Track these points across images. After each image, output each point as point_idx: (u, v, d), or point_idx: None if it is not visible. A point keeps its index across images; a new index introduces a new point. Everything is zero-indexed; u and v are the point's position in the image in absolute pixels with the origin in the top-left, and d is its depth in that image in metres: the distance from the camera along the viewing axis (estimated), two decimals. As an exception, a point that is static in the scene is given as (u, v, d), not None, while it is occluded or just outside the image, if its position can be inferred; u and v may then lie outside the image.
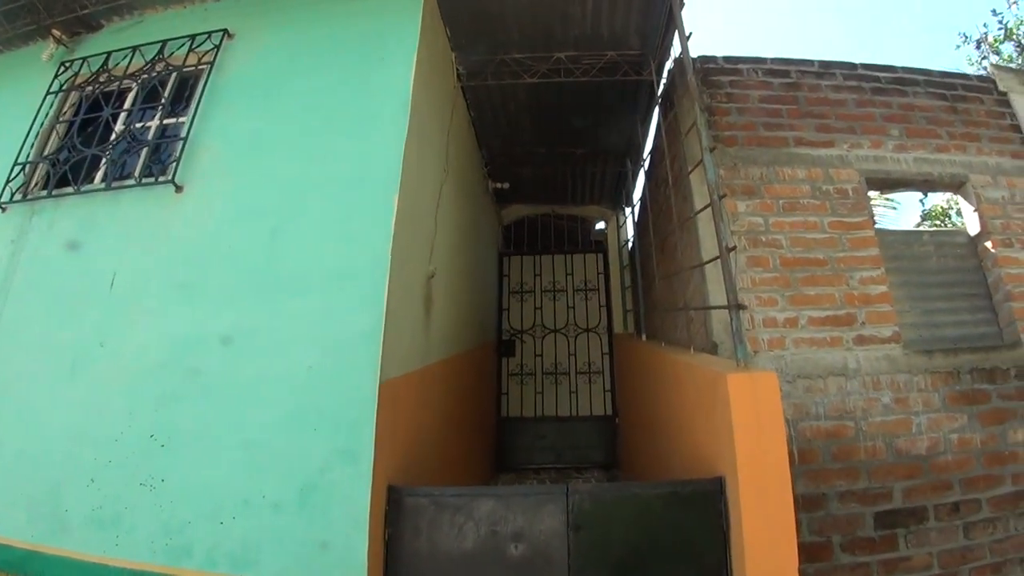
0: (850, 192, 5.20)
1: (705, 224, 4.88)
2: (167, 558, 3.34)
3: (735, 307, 3.70)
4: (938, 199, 13.80)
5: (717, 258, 3.93)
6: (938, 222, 13.81)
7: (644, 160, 7.30)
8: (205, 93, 4.51)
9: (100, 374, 3.85)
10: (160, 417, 3.64)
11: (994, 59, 13.41)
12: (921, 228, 12.49)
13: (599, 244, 11.18)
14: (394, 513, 3.42)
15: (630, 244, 9.49)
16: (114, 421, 3.68)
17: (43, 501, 3.61)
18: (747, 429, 3.22)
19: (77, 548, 3.45)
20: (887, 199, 13.08)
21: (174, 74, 4.75)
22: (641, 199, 8.13)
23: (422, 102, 4.57)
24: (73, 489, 3.59)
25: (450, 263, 5.87)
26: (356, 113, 4.26)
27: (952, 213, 13.71)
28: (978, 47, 13.99)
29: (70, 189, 4.46)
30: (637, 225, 8.46)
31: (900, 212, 14.17)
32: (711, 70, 5.57)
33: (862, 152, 5.38)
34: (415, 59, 4.37)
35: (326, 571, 3.22)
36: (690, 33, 4.50)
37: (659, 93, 6.13)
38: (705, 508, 3.35)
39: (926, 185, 5.63)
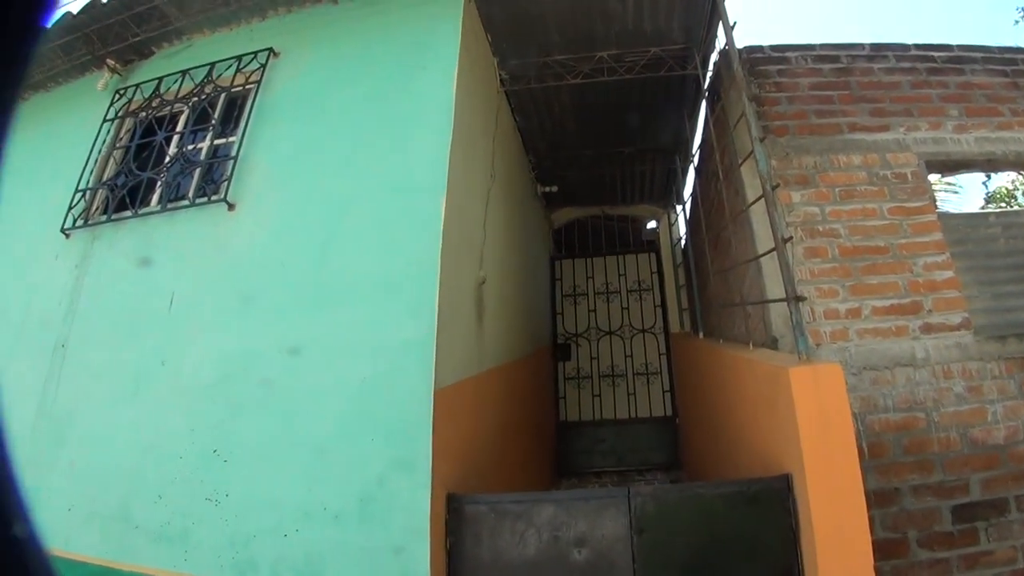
0: (909, 176, 5.00)
1: (759, 216, 4.74)
2: (234, 572, 3.36)
3: (794, 299, 3.58)
4: (1002, 180, 13.34)
5: (773, 250, 3.81)
6: (1003, 204, 13.35)
7: (693, 156, 7.17)
8: (253, 112, 4.56)
9: (162, 392, 3.91)
10: (221, 432, 3.67)
11: (1055, 32, 12.93)
12: (986, 210, 12.06)
13: (651, 243, 11.08)
14: (454, 521, 3.38)
15: (683, 242, 9.36)
16: (177, 437, 3.72)
17: (114, 518, 3.67)
18: (812, 423, 3.13)
19: (148, 563, 3.50)
20: (948, 183, 12.70)
21: (223, 95, 4.81)
22: (692, 195, 7.97)
23: (465, 108, 4.54)
24: (142, 505, 3.64)
25: (500, 269, 5.83)
26: (400, 122, 4.25)
27: (1018, 194, 13.24)
28: (1038, 22, 13.52)
29: (128, 212, 4.55)
30: (689, 222, 8.33)
31: (963, 196, 13.74)
32: (758, 60, 5.42)
33: (920, 135, 5.17)
34: (456, 65, 4.34)
35: (389, 582, 3.20)
36: (735, 23, 4.40)
37: (705, 87, 5.99)
38: (772, 507, 3.26)
39: (990, 165, 5.39)
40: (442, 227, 3.80)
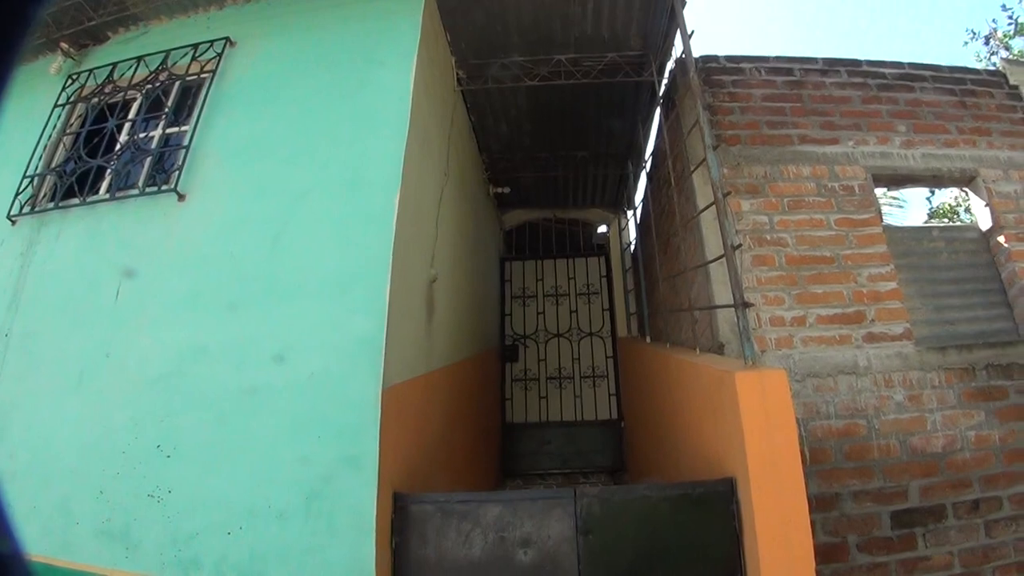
0: (856, 189, 5.11)
1: (709, 223, 4.80)
2: (176, 570, 3.26)
3: (741, 305, 3.61)
4: (945, 196, 13.68)
5: (722, 256, 3.85)
6: (946, 219, 13.67)
7: (646, 162, 7.22)
8: (207, 101, 4.46)
9: (106, 385, 3.77)
10: (166, 427, 3.56)
11: (1004, 54, 13.29)
12: (931, 224, 12.35)
13: (601, 247, 11.13)
14: (400, 521, 3.34)
15: (632, 246, 9.42)
16: (121, 432, 3.60)
17: (54, 514, 3.53)
18: (757, 428, 3.15)
19: (88, 561, 3.37)
20: (893, 197, 12.97)
21: (177, 83, 4.70)
22: (643, 201, 8.07)
23: (422, 105, 4.51)
24: (82, 501, 3.51)
25: (452, 268, 5.80)
26: (356, 117, 4.20)
27: (960, 210, 13.57)
28: (987, 43, 13.93)
29: (76, 200, 4.41)
30: (639, 227, 8.42)
31: (907, 210, 14.05)
32: (713, 69, 5.50)
33: (868, 148, 5.29)
34: (415, 62, 4.32)
35: (334, 581, 3.16)
36: (692, 31, 4.42)
37: (660, 94, 6.04)
38: (716, 510, 3.28)
39: (935, 181, 5.53)
40: (395, 224, 3.76)
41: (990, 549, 4.34)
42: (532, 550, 3.24)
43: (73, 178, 4.51)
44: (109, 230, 4.25)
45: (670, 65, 5.93)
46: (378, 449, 3.26)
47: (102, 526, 3.43)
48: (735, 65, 5.55)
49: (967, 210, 13.26)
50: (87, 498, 3.50)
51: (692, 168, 4.88)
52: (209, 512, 3.34)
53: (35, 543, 3.44)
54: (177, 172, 4.21)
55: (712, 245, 4.80)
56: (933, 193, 13.42)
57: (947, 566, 4.27)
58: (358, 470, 3.25)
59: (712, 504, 3.29)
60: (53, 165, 4.72)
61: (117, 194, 4.34)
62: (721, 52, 5.69)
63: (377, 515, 3.17)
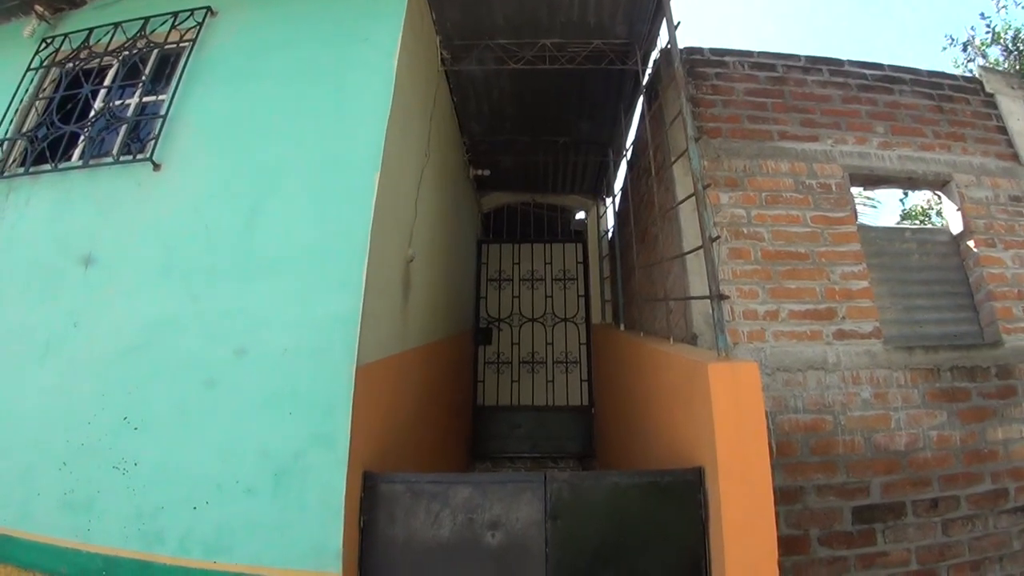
0: (833, 187, 5.16)
1: (687, 215, 4.82)
2: (140, 544, 3.25)
3: (717, 297, 3.63)
4: (918, 199, 13.88)
5: (700, 248, 3.87)
6: (918, 221, 13.87)
7: (626, 150, 7.23)
8: (186, 71, 4.39)
9: (73, 355, 3.71)
10: (133, 399, 3.52)
11: (981, 62, 13.51)
12: (904, 226, 12.52)
13: (579, 234, 11.15)
14: (369, 500, 3.33)
15: (610, 234, 9.44)
16: (87, 403, 3.56)
17: (14, 484, 3.49)
18: (727, 419, 3.18)
19: (49, 533, 3.35)
20: (867, 197, 13.12)
21: (155, 51, 4.62)
22: (622, 189, 8.09)
23: (406, 83, 4.48)
24: (45, 472, 3.47)
25: (429, 249, 5.77)
26: (338, 93, 4.16)
27: (932, 213, 13.77)
28: (965, 50, 14.11)
29: (47, 166, 4.31)
30: (617, 215, 8.42)
31: (880, 211, 14.24)
32: (697, 61, 5.51)
33: (847, 148, 5.34)
34: (399, 40, 4.28)
35: (300, 559, 3.15)
36: (679, 22, 4.43)
37: (644, 83, 6.05)
38: (684, 498, 3.31)
39: (910, 183, 5.59)
40: (374, 203, 3.74)
41: (946, 547, 4.41)
42: (500, 533, 3.25)
43: (45, 144, 4.41)
44: (80, 198, 4.16)
45: (654, 55, 5.93)
46: (350, 427, 3.26)
47: (65, 498, 3.40)
48: (719, 58, 5.57)
49: (939, 213, 13.45)
50: (50, 469, 3.46)
51: (673, 159, 4.91)
52: (175, 486, 3.32)
53: (-6, 514, 3.41)
54: (153, 141, 4.13)
55: (690, 236, 4.82)
56: (907, 195, 13.61)
57: (904, 562, 4.34)
58: (329, 448, 3.25)
59: (680, 492, 3.32)
60: (24, 130, 4.61)
61: (90, 161, 4.26)
62: (705, 44, 5.65)
63: (346, 493, 3.17)
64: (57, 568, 3.28)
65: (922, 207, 13.97)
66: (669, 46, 4.58)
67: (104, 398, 3.56)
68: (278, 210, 3.84)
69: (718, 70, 5.51)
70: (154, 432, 3.44)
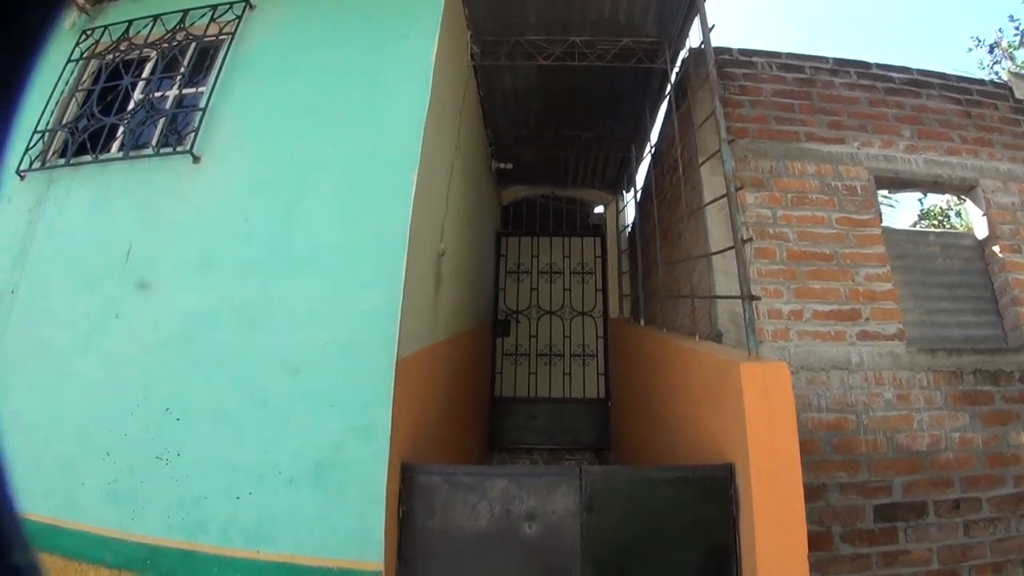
0: (859, 189, 5.20)
1: (714, 214, 4.87)
2: (183, 533, 3.29)
3: (748, 297, 3.68)
4: (937, 199, 13.83)
5: (731, 248, 3.91)
6: (936, 221, 13.84)
7: (651, 148, 7.26)
8: (225, 64, 4.42)
9: (115, 346, 3.76)
10: (175, 390, 3.57)
11: (1007, 64, 13.41)
12: (928, 229, 12.49)
13: (597, 228, 11.12)
14: (408, 491, 3.39)
15: (629, 230, 9.46)
16: (129, 394, 3.60)
17: (58, 474, 3.54)
18: (759, 417, 3.23)
19: (93, 522, 3.39)
20: (885, 196, 13.08)
21: (194, 44, 4.65)
22: (644, 186, 8.10)
23: (441, 80, 4.50)
24: (88, 462, 3.51)
25: (457, 242, 5.80)
26: (376, 88, 4.20)
27: (951, 214, 13.73)
28: (991, 51, 14.01)
29: (88, 158, 4.35)
30: (638, 211, 8.43)
31: (898, 210, 14.20)
32: (725, 61, 5.54)
33: (872, 151, 5.37)
34: (437, 37, 4.32)
35: (341, 548, 3.19)
36: (713, 24, 4.46)
37: (673, 82, 6.06)
38: (715, 493, 3.36)
39: (935, 187, 5.63)
40: (412, 199, 3.78)
41: (968, 548, 4.46)
42: (537, 524, 3.30)
43: (85, 135, 4.45)
44: (120, 190, 4.21)
45: (683, 54, 5.96)
46: (390, 419, 3.30)
47: (108, 487, 3.44)
48: (747, 59, 5.61)
49: (958, 214, 13.43)
50: (93, 459, 3.50)
51: (702, 160, 4.94)
52: (217, 476, 3.36)
53: (38, 503, 3.43)
54: (192, 134, 4.17)
55: (716, 235, 4.88)
56: (925, 195, 13.58)
57: (926, 561, 4.38)
58: (369, 439, 3.29)
59: (711, 487, 3.37)
60: (64, 121, 4.64)
61: (130, 153, 4.30)
62: (732, 44, 5.68)
63: (387, 485, 3.22)
64: (101, 557, 3.32)
65: (941, 207, 13.92)
66: (702, 46, 4.63)
67: (146, 389, 3.60)
68: (317, 205, 3.89)
69: (746, 71, 5.55)
70: (196, 423, 3.49)
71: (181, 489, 3.37)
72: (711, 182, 4.91)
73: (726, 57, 5.57)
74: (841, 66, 5.70)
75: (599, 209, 11.44)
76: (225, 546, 3.26)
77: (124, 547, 3.32)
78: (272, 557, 3.22)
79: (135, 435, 3.52)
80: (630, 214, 9.51)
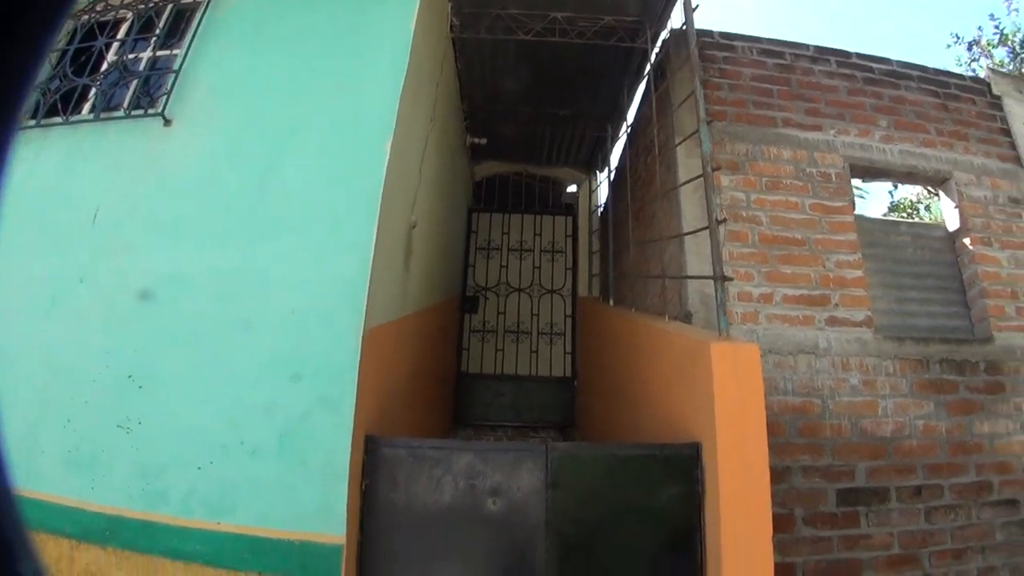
0: (833, 177, 5.16)
1: (688, 195, 4.80)
2: (143, 503, 3.17)
3: (721, 278, 3.61)
4: (908, 192, 13.88)
5: (705, 228, 3.82)
6: (905, 215, 13.89)
7: (627, 128, 7.18)
8: (201, 27, 4.23)
9: (79, 311, 3.60)
10: (139, 357, 3.42)
11: (986, 62, 13.48)
12: (900, 219, 12.53)
13: (569, 207, 10.98)
14: (372, 463, 3.28)
15: (601, 210, 9.39)
16: (91, 360, 3.44)
17: (18, 441, 3.31)
18: (728, 398, 3.18)
19: (53, 491, 3.24)
20: (856, 188, 13.09)
21: (171, 6, 4.46)
22: (619, 166, 8.01)
23: (420, 47, 4.38)
24: (49, 429, 3.36)
25: (428, 215, 5.66)
26: (354, 54, 4.07)
27: (921, 208, 13.80)
28: (970, 49, 14.07)
29: (58, 119, 4.17)
30: (611, 191, 8.35)
31: (867, 201, 14.25)
32: (706, 44, 5.46)
33: (849, 139, 5.33)
34: (418, 3, 4.17)
35: (303, 521, 3.10)
36: (697, 4, 4.36)
37: (652, 62, 5.93)
38: (680, 472, 3.31)
39: (909, 178, 5.61)
40: (386, 167, 3.65)
41: (928, 534, 4.45)
42: (501, 499, 3.23)
43: (57, 96, 4.27)
44: (90, 151, 4.05)
45: (664, 35, 5.84)
46: (356, 390, 3.20)
47: (69, 456, 3.31)
48: (728, 43, 5.53)
49: (927, 208, 13.50)
50: (54, 426, 3.35)
51: (679, 140, 4.84)
52: (179, 445, 3.24)
53: (-6, 471, 3.32)
54: (165, 96, 4.01)
55: (689, 216, 4.81)
56: (896, 187, 13.62)
57: (887, 546, 4.37)
58: (334, 410, 3.18)
59: (677, 466, 3.32)
60: (37, 82, 4.49)
61: (101, 115, 4.14)
62: (712, 27, 5.60)
63: (350, 457, 3.12)
64: (60, 527, 3.20)
65: (911, 200, 13.99)
66: (684, 27, 4.52)
67: (109, 355, 3.45)
68: (290, 170, 3.75)
69: (726, 54, 5.47)
70: (159, 391, 3.36)
71: (142, 458, 3.24)
72: (687, 163, 4.82)
73: (707, 40, 5.48)
74: (821, 54, 5.64)
75: (572, 188, 11.33)
76: (185, 517, 3.14)
77: (83, 517, 3.20)
78: (233, 528, 3.11)
79: (97, 402, 3.38)
80: (603, 194, 9.44)
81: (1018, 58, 13.27)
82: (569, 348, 9.80)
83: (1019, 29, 13.40)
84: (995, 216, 5.33)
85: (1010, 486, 4.69)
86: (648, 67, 5.99)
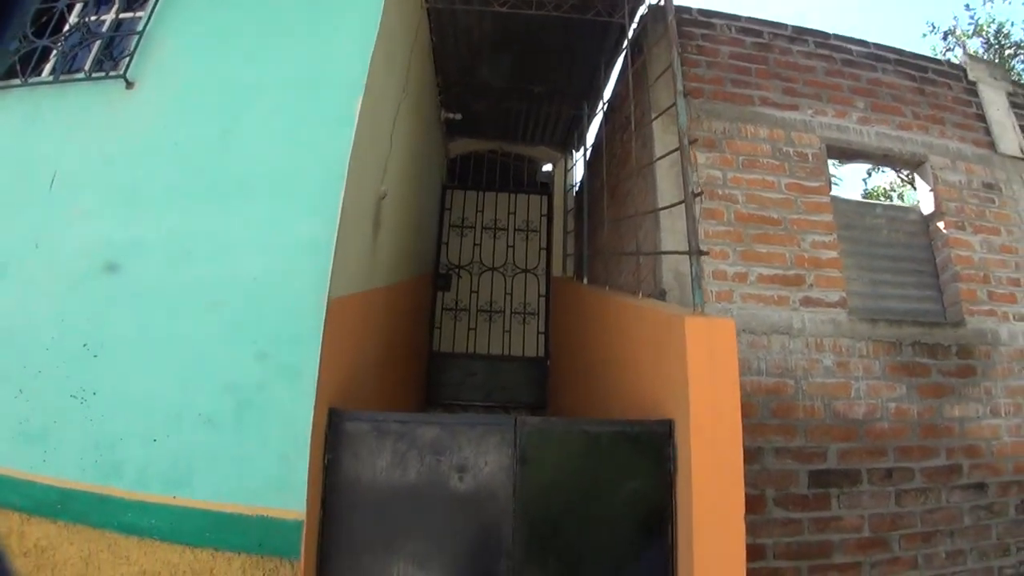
0: (810, 157, 5.05)
1: (664, 171, 4.68)
2: (96, 476, 3.00)
3: (696, 252, 3.45)
4: (881, 180, 13.93)
5: (681, 202, 3.67)
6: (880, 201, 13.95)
7: (603, 105, 7.02)
8: (166, -11, 4.02)
9: (33, 277, 3.40)
10: (94, 325, 3.24)
11: (960, 52, 13.60)
12: (876, 202, 12.53)
13: (544, 186, 10.81)
14: (334, 437, 3.12)
15: (576, 189, 9.24)
16: (45, 327, 3.25)
17: (-33, 413, 3.18)
18: (701, 373, 3.03)
19: (2, 463, 3.09)
20: (830, 175, 13.10)
21: (136, -35, 4.24)
22: (594, 144, 7.85)
23: (392, 10, 4.19)
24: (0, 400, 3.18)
25: (399, 188, 5.45)
26: (323, 11, 3.87)
27: (894, 196, 13.84)
28: (945, 38, 14.20)
29: (17, 81, 3.94)
30: (587, 170, 8.20)
31: (841, 188, 14.29)
32: (685, 20, 5.29)
33: (825, 120, 5.22)
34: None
35: (261, 496, 2.95)
36: (675, -23, 4.21)
37: (629, 37, 5.74)
38: (652, 450, 3.18)
39: (885, 160, 5.52)
40: (355, 128, 3.48)
41: (899, 517, 4.38)
42: (468, 476, 3.08)
43: (16, 58, 4.03)
44: (49, 114, 3.83)
45: (642, 10, 5.67)
46: (318, 361, 3.03)
47: (19, 427, 3.12)
48: (707, 19, 5.38)
49: (900, 197, 13.54)
50: (4, 397, 3.16)
51: (655, 115, 4.68)
52: (135, 416, 3.07)
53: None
54: (128, 58, 3.79)
55: (665, 193, 4.67)
56: (870, 175, 13.65)
57: (857, 528, 4.30)
58: (295, 381, 3.02)
59: (649, 443, 3.19)
60: (-2, 44, 4.24)
61: (61, 77, 3.92)
62: (694, 4, 5.46)
63: (312, 429, 2.96)
64: (10, 500, 3.02)
65: (884, 188, 14.06)
66: (661, 2, 4.37)
67: (63, 323, 3.27)
68: (253, 131, 3.58)
69: (705, 31, 5.32)
70: (114, 360, 3.18)
71: (96, 430, 3.07)
72: (663, 139, 4.68)
73: (685, 16, 5.32)
74: (800, 34, 5.53)
75: (547, 167, 11.12)
76: (140, 490, 2.98)
77: (34, 490, 3.02)
78: (188, 503, 2.96)
79: (50, 371, 3.18)
80: (578, 174, 9.28)
81: (992, 48, 13.33)
82: (543, 328, 9.64)
83: (994, 20, 13.49)
84: (969, 201, 5.27)
85: (979, 470, 4.64)
86: (625, 42, 5.81)
